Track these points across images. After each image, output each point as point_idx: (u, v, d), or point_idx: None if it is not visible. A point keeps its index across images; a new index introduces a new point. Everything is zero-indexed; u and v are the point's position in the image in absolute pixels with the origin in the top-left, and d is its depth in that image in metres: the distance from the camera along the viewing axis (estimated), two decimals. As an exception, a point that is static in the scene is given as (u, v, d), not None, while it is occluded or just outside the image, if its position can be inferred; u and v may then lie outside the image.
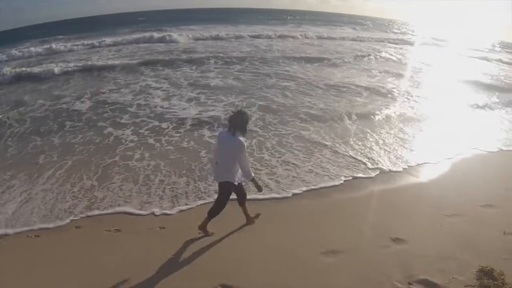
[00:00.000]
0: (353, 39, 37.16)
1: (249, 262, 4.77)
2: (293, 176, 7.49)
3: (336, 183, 7.25)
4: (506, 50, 44.65)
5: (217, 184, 5.24)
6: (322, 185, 7.18)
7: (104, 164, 7.85)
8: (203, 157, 8.15)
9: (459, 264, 4.87)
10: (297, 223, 5.90)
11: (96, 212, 6.19)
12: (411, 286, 4.52)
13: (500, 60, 31.53)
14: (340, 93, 14.51)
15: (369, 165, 8.11)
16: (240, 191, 5.32)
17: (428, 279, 4.60)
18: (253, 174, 5.00)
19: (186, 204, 6.43)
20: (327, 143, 9.31)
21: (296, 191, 6.95)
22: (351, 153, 8.73)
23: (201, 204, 6.36)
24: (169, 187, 6.95)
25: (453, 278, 4.65)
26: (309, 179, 7.39)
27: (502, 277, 4.62)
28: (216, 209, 5.19)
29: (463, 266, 4.83)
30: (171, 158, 8.17)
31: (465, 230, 5.71)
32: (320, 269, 4.72)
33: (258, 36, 33.43)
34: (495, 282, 4.55)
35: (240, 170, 4.92)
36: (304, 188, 7.02)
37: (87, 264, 4.83)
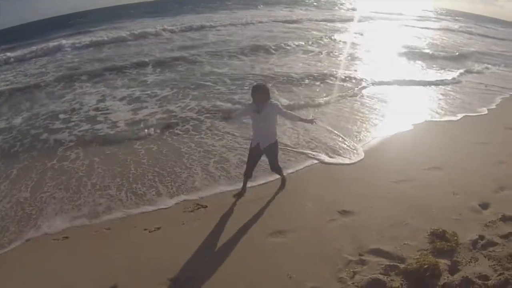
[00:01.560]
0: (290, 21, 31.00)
1: (196, 252, 4.48)
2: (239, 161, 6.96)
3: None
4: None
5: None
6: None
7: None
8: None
9: (410, 230, 4.65)
10: (242, 208, 5.49)
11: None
12: (362, 257, 4.23)
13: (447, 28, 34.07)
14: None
15: (314, 143, 7.70)
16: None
17: (379, 248, 4.35)
18: (297, 115, 5.45)
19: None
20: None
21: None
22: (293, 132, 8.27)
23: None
24: (100, 192, 6.25)
25: (405, 244, 4.41)
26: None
27: (455, 238, 4.45)
28: (274, 168, 5.59)
29: (414, 231, 4.61)
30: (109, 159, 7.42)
31: (414, 195, 5.53)
32: (269, 251, 4.43)
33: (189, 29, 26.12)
34: (449, 244, 4.37)
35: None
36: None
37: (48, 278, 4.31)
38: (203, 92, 11.57)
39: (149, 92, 11.78)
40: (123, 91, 12.05)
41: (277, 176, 5.96)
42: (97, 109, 10.38)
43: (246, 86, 11.96)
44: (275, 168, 5.62)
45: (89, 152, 7.62)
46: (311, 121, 5.46)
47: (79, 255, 4.65)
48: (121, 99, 11.23)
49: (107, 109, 10.35)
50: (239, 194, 5.72)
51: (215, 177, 6.44)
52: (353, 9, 46.81)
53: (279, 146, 5.50)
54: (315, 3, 51.96)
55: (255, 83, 5.38)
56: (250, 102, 5.22)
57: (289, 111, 5.37)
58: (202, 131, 8.47)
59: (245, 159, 5.68)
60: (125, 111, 10.18)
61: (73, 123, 9.36)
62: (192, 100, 10.74)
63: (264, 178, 6.28)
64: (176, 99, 11.03)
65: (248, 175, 5.59)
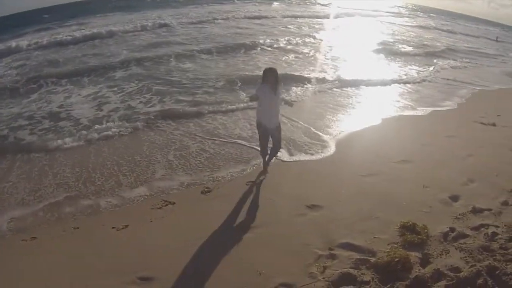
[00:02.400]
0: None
1: (165, 250, 4.30)
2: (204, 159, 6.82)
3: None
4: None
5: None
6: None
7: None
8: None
9: (380, 223, 4.56)
10: (210, 204, 5.34)
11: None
12: (332, 251, 4.11)
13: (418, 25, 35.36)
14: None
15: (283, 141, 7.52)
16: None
17: (349, 242, 4.24)
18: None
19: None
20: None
21: (208, 172, 6.30)
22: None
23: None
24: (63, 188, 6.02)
25: (375, 237, 4.31)
26: (221, 162, 6.68)
27: (426, 230, 4.40)
28: (278, 146, 5.85)
29: (384, 224, 4.52)
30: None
31: (384, 188, 5.46)
32: (238, 247, 4.30)
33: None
34: (419, 236, 4.30)
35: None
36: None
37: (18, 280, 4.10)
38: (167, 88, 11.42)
39: (115, 88, 11.56)
40: (89, 89, 11.74)
41: (243, 171, 6.11)
42: (61, 106, 10.09)
43: (210, 83, 11.93)
44: (278, 148, 5.89)
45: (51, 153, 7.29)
46: (291, 104, 6.02)
47: (48, 256, 4.42)
48: (86, 96, 10.95)
49: (71, 107, 10.06)
50: (262, 173, 6.04)
51: (180, 173, 6.30)
52: (327, 5, 47.62)
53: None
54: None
55: (267, 67, 5.71)
56: (262, 84, 5.42)
57: None
58: (165, 126, 8.36)
59: (204, 152, 6.18)
60: (88, 108, 9.91)
61: (35, 121, 9.08)
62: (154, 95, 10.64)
63: (229, 173, 6.19)
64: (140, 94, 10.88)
65: (264, 153, 5.90)
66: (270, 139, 5.80)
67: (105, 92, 11.39)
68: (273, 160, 6.17)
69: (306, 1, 52.53)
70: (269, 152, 5.95)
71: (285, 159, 6.72)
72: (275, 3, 43.22)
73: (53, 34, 23.02)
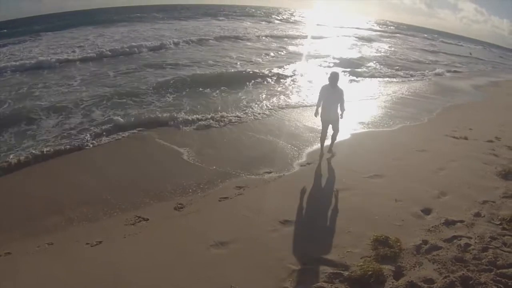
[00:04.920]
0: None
1: (138, 267, 4.21)
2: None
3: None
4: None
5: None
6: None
7: None
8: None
9: (352, 237, 4.52)
10: (183, 220, 5.28)
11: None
12: (305, 266, 4.06)
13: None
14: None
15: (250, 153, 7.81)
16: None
17: (322, 257, 4.19)
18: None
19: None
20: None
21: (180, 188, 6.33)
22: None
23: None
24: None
25: (348, 252, 4.27)
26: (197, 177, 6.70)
27: (399, 243, 4.37)
28: (336, 133, 7.43)
29: (357, 239, 4.48)
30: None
31: (356, 202, 5.44)
32: (210, 263, 4.20)
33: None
34: (392, 250, 4.27)
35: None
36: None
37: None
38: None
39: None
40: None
41: (215, 186, 6.25)
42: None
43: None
44: (336, 135, 7.41)
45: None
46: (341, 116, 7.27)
47: (22, 273, 4.29)
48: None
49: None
50: (320, 156, 7.38)
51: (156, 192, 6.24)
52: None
53: None
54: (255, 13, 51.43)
55: (331, 71, 7.01)
56: (324, 86, 6.93)
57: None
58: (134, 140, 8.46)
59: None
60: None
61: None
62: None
63: (202, 190, 6.24)
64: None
65: (323, 139, 7.37)
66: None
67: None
68: (334, 143, 7.50)
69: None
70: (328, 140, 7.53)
71: (258, 175, 6.74)
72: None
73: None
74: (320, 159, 7.17)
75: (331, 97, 6.86)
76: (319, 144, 7.63)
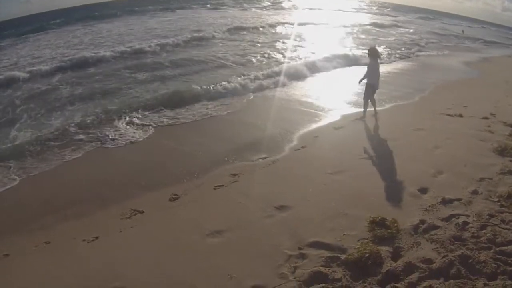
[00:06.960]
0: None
1: (135, 260, 4.15)
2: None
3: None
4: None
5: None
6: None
7: None
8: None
9: (349, 220, 4.43)
10: (178, 210, 5.21)
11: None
12: (302, 251, 3.98)
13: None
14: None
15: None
16: None
17: (319, 241, 4.10)
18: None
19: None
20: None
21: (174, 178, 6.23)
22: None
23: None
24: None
25: (344, 234, 4.19)
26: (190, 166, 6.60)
27: (396, 224, 4.28)
28: (372, 96, 8.68)
29: (353, 221, 4.39)
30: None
31: (351, 184, 5.33)
32: (207, 252, 4.13)
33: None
34: (389, 231, 4.19)
35: None
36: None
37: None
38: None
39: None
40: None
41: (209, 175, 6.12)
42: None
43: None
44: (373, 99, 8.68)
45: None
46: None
47: (22, 275, 4.22)
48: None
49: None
50: (362, 117, 8.56)
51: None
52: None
53: None
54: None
55: (371, 46, 8.83)
56: (370, 57, 8.49)
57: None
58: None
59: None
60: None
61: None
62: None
63: (199, 179, 6.14)
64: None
65: (367, 100, 8.57)
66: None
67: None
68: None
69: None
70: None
71: (252, 160, 6.63)
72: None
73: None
74: (364, 116, 8.55)
75: (376, 67, 8.35)
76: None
